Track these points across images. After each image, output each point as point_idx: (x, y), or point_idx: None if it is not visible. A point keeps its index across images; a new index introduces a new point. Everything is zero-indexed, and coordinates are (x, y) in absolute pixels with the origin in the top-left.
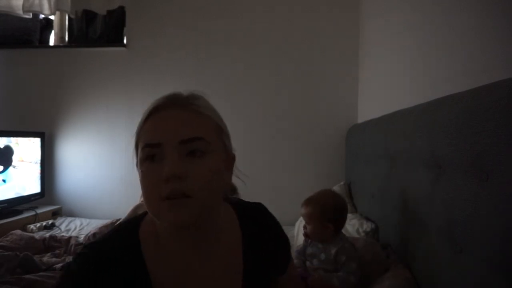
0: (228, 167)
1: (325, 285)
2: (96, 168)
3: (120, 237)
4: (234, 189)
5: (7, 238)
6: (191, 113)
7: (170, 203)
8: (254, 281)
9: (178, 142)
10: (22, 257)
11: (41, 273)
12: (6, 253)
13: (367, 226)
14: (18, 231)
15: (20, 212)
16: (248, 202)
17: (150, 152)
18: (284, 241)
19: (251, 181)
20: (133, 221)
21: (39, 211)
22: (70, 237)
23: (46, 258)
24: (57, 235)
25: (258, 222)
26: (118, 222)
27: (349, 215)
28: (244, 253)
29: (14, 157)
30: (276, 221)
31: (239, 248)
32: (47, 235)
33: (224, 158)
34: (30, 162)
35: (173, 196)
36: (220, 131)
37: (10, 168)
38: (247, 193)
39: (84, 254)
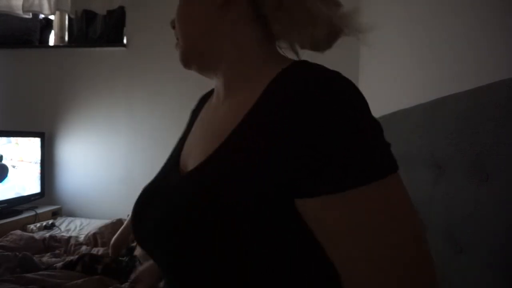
0: None
1: None
2: (96, 168)
3: None
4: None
5: (7, 238)
6: None
7: None
8: (231, 164)
9: None
10: (21, 256)
11: (41, 272)
12: (6, 253)
13: None
14: (18, 231)
15: (20, 212)
16: (319, 66)
17: None
18: (332, 124)
19: None
20: None
21: (39, 211)
22: (70, 237)
23: (46, 258)
24: (57, 235)
25: (294, 83)
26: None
27: None
28: (244, 119)
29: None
30: (336, 96)
31: (245, 108)
32: (47, 235)
33: None
34: (30, 162)
35: None
36: None
37: (9, 168)
38: None
39: None
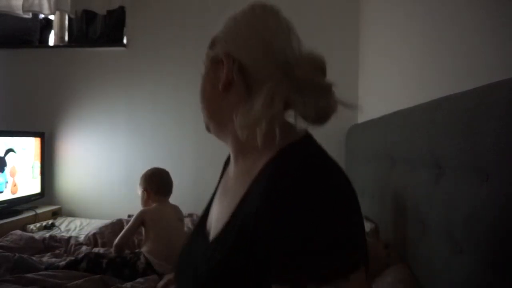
0: (216, 72)
1: None
2: (96, 168)
3: None
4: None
5: (7, 238)
6: None
7: None
8: (228, 246)
9: None
10: (17, 258)
11: (41, 272)
12: (6, 253)
13: (367, 226)
14: (18, 231)
15: (20, 212)
16: (302, 156)
17: None
18: (287, 225)
19: None
20: None
21: (39, 211)
22: (70, 237)
23: (46, 258)
24: (57, 235)
25: (265, 182)
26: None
27: None
28: (238, 206)
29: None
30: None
31: (240, 194)
32: (47, 235)
33: (211, 66)
34: (30, 162)
35: None
36: (212, 43)
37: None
38: None
39: None
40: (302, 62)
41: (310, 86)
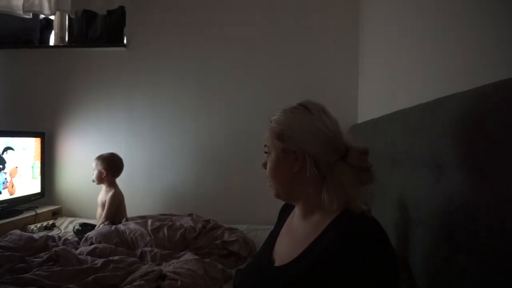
0: (288, 160)
1: None
2: None
3: None
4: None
5: (6, 238)
6: (269, 126)
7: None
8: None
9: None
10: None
11: (38, 272)
12: (7, 253)
13: None
14: (17, 231)
15: (20, 212)
16: (359, 221)
17: None
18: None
19: (252, 181)
20: None
21: (39, 211)
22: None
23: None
24: (54, 235)
25: (335, 234)
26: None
27: None
28: (310, 246)
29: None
30: (352, 252)
31: (315, 233)
32: (45, 235)
33: (283, 155)
34: (30, 162)
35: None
36: (280, 136)
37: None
38: (252, 193)
39: None
40: (353, 150)
41: (358, 168)
